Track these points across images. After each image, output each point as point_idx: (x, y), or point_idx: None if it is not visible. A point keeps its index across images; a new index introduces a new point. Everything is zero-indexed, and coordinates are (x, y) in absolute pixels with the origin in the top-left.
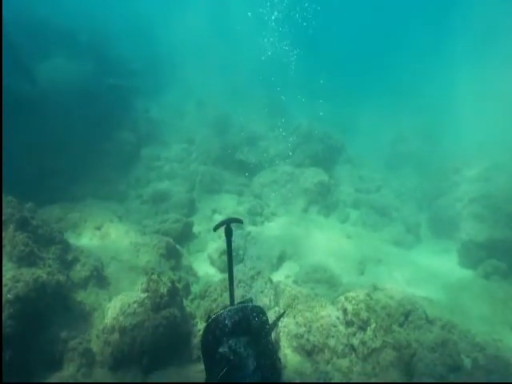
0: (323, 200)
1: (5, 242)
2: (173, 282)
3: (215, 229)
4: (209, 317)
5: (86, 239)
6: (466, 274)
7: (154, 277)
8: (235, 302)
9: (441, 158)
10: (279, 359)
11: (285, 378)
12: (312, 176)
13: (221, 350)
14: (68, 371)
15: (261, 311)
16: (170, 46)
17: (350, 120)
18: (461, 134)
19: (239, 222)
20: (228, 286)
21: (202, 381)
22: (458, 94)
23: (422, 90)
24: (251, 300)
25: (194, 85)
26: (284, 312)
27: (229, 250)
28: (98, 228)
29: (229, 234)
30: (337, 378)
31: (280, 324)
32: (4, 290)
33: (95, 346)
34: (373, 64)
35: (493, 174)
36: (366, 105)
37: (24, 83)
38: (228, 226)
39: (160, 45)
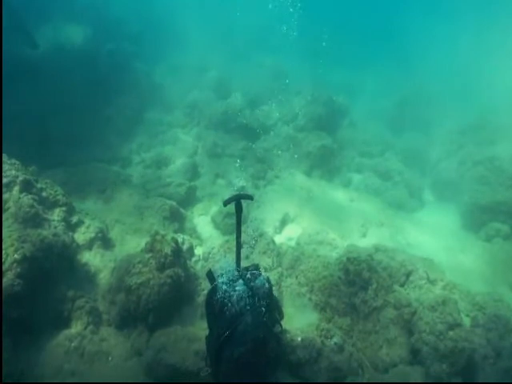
0: (326, 164)
1: (10, 203)
2: (176, 243)
3: (225, 204)
4: (210, 271)
5: (90, 202)
6: (469, 236)
7: (158, 237)
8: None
9: (445, 121)
10: (280, 324)
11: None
12: (315, 140)
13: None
14: (76, 329)
15: (265, 279)
16: (172, 9)
17: (354, 84)
18: (469, 98)
19: (249, 198)
20: (235, 256)
21: (207, 337)
22: (466, 58)
23: (430, 54)
24: (257, 267)
25: (196, 49)
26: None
27: (238, 226)
28: (102, 191)
29: (239, 210)
30: (338, 335)
31: (283, 284)
32: (11, 249)
33: (101, 306)
34: (379, 27)
35: (498, 136)
36: (371, 69)
37: (25, 47)
38: (238, 201)
39: (161, 8)
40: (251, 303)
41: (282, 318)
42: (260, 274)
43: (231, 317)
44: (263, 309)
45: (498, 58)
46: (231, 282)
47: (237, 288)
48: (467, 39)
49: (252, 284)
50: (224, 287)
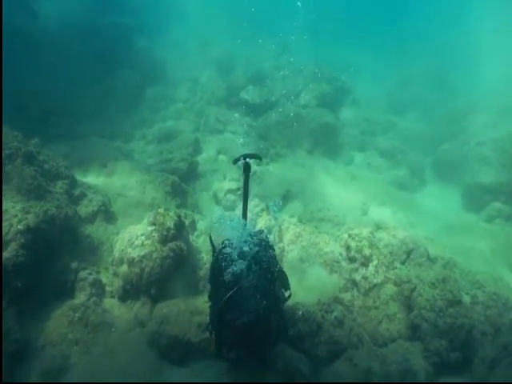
0: (328, 142)
1: (13, 175)
2: (179, 216)
3: (234, 162)
4: (210, 238)
5: (93, 176)
6: (470, 217)
7: (161, 210)
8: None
9: (449, 102)
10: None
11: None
12: (318, 117)
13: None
14: (79, 300)
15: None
16: None
17: (357, 64)
18: (472, 79)
19: (258, 158)
20: (242, 210)
21: (208, 310)
22: (472, 38)
23: (435, 34)
24: (262, 232)
25: (198, 23)
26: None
27: (245, 183)
28: (104, 165)
29: (247, 169)
30: (338, 310)
31: (284, 259)
32: (14, 220)
33: (104, 278)
34: (384, 7)
35: (502, 118)
36: (375, 49)
37: (26, 18)
38: (246, 161)
39: None
40: (255, 267)
41: (289, 294)
42: (264, 239)
43: (235, 277)
44: (269, 271)
45: (505, 37)
46: (236, 245)
47: (243, 249)
48: (471, 17)
49: (257, 248)
50: (228, 250)
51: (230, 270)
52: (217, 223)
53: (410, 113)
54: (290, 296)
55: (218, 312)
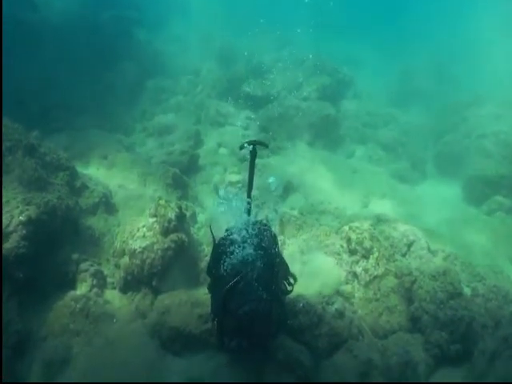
0: (329, 134)
1: (14, 166)
2: (180, 208)
3: (241, 148)
4: (210, 229)
5: (94, 168)
6: (470, 210)
7: (162, 202)
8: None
9: (452, 95)
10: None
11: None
12: (319, 110)
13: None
14: (81, 291)
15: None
16: None
17: (358, 56)
18: (474, 73)
19: (264, 145)
20: (247, 191)
21: (210, 301)
22: (474, 34)
23: (437, 29)
24: (266, 222)
25: (199, 17)
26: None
27: (251, 167)
28: (105, 157)
29: (253, 155)
30: (339, 302)
31: (284, 252)
32: (15, 211)
33: (106, 269)
34: (385, 3)
35: (504, 110)
36: (377, 44)
37: (26, 10)
38: (253, 147)
39: None
40: (259, 254)
41: (291, 289)
42: (268, 228)
43: (239, 265)
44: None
45: (506, 34)
46: (239, 232)
47: (246, 237)
48: (473, 13)
49: (260, 237)
50: (232, 236)
51: (233, 257)
52: (222, 200)
53: (412, 106)
54: (292, 290)
55: (221, 300)
